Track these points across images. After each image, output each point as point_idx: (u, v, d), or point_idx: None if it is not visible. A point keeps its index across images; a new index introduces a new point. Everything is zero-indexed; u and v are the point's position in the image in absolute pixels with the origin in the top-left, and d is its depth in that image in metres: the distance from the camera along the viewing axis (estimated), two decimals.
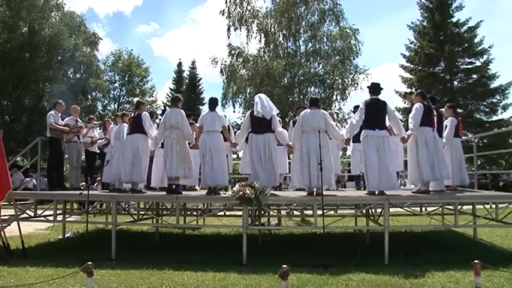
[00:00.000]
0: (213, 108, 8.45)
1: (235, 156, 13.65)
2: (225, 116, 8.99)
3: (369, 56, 67.33)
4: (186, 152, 8.34)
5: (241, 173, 11.39)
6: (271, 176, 7.92)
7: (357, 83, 31.80)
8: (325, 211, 7.19)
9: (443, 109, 9.18)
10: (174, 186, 8.28)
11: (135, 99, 40.57)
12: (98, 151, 11.02)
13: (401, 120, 9.33)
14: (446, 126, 8.69)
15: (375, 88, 7.91)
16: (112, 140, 9.83)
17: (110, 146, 10.00)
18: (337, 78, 32.19)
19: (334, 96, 32.50)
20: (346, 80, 32.04)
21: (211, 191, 8.11)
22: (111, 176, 9.43)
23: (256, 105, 8.18)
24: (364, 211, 9.68)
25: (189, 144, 8.62)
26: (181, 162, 8.14)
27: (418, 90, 8.09)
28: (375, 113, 7.60)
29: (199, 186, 9.93)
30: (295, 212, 10.32)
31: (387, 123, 7.87)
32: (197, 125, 8.58)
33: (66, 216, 9.46)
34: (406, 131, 7.84)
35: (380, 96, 7.78)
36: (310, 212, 8.91)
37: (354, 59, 32.10)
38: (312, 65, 33.08)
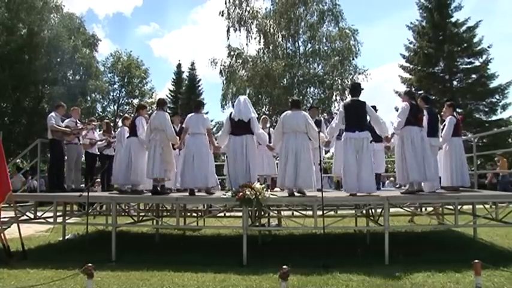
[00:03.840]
0: (198, 111, 8.61)
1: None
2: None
3: (369, 57, 67.38)
4: (169, 154, 8.48)
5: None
6: (247, 177, 7.93)
7: None
8: (325, 211, 7.20)
9: (444, 108, 9.17)
10: (158, 187, 8.42)
11: (135, 102, 40.75)
12: (98, 153, 11.04)
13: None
14: (445, 125, 8.69)
15: (354, 89, 8.00)
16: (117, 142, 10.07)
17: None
18: (336, 78, 32.19)
19: (334, 97, 32.50)
20: (345, 80, 31.99)
21: (193, 193, 8.22)
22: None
23: (234, 108, 8.34)
24: (364, 211, 9.68)
25: (173, 146, 8.78)
26: (162, 164, 8.27)
27: (406, 89, 8.10)
28: (354, 115, 7.63)
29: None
30: (296, 213, 10.32)
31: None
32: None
33: (66, 218, 9.45)
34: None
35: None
36: (310, 213, 8.90)
37: (353, 59, 32.13)
38: (311, 66, 33.09)
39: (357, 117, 7.62)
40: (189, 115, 8.64)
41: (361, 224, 10.48)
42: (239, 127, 8.11)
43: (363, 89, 7.90)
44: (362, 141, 7.50)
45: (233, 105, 32.61)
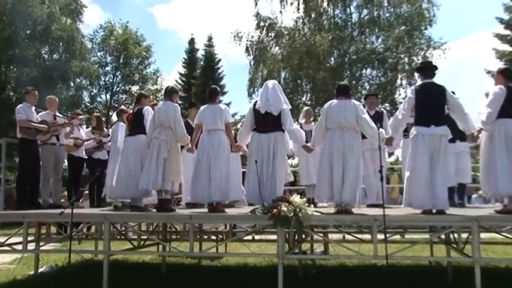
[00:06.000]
0: (214, 100, 8.61)
1: None
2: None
3: (448, 25, 66.15)
4: (177, 159, 8.35)
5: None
6: (272, 188, 7.89)
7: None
8: (389, 235, 7.14)
9: None
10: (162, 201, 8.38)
11: (134, 89, 40.68)
12: (86, 156, 11.13)
13: None
14: None
15: (427, 69, 7.85)
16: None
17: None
18: (402, 56, 31.98)
19: (399, 81, 32.44)
20: (414, 58, 31.72)
21: (213, 209, 8.21)
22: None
23: (260, 97, 8.34)
24: (443, 236, 9.54)
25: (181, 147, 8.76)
26: (169, 172, 8.15)
27: (502, 67, 7.74)
28: (429, 103, 7.45)
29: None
30: (348, 237, 10.28)
31: None
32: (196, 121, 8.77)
33: (41, 244, 9.47)
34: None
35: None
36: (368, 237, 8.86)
37: (425, 29, 31.94)
38: (367, 40, 33.10)
39: (433, 106, 7.46)
40: (202, 107, 8.68)
41: (439, 253, 10.33)
42: (266, 122, 8.11)
43: (437, 67, 7.77)
44: (440, 140, 7.33)
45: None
